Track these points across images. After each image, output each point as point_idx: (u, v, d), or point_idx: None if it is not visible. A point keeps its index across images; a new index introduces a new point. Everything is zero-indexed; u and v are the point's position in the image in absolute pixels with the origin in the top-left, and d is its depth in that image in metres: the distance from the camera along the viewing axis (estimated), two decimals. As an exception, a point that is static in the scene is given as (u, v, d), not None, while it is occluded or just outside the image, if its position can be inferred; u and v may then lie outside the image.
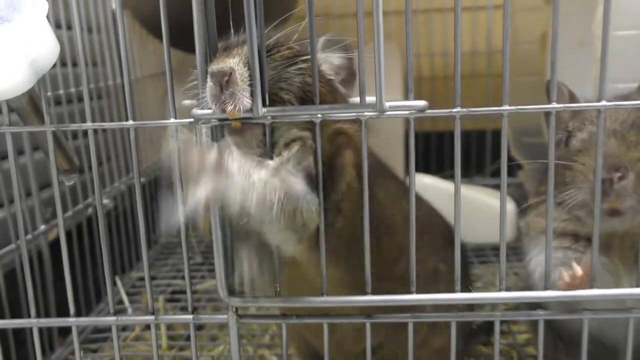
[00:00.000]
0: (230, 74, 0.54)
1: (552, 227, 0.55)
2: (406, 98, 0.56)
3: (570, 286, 0.56)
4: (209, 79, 0.55)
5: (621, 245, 0.63)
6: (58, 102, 1.08)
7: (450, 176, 1.43)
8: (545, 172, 0.56)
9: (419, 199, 0.77)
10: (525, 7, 1.35)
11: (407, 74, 0.55)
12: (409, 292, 0.59)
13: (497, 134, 0.57)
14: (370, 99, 0.54)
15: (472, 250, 1.28)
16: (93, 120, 0.61)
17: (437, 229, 0.76)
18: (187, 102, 0.65)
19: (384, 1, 0.51)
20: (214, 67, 0.55)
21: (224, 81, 0.54)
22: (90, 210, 1.13)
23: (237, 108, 0.54)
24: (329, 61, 0.63)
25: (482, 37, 1.69)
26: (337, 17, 1.70)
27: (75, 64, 1.09)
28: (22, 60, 0.52)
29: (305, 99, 0.57)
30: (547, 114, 0.68)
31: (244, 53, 0.55)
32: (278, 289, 0.60)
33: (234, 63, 0.55)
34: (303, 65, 0.57)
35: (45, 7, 0.52)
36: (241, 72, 0.54)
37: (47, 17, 0.54)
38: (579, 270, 0.55)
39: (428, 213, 0.78)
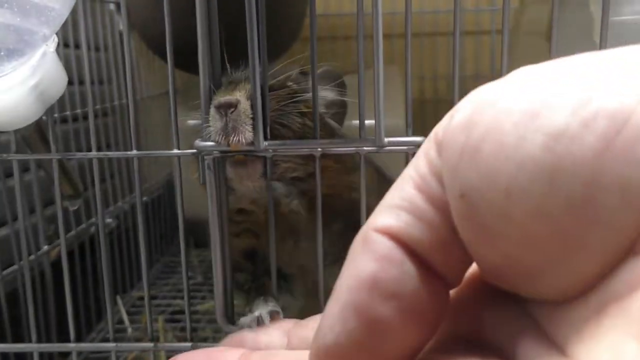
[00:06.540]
0: (236, 105, 0.55)
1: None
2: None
3: None
4: (213, 110, 0.56)
5: None
6: (64, 120, 1.10)
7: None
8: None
9: None
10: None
11: (407, 107, 0.56)
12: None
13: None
14: (369, 122, 0.55)
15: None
16: (97, 138, 0.63)
17: None
18: (191, 122, 0.65)
19: (389, 24, 0.52)
20: (220, 98, 0.56)
21: (230, 112, 0.55)
22: (93, 229, 1.14)
23: (239, 140, 0.55)
24: (322, 96, 0.65)
25: (486, 61, 1.71)
26: (342, 39, 1.72)
27: (82, 83, 1.10)
28: (31, 92, 0.53)
29: (303, 137, 0.59)
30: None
31: (248, 88, 0.57)
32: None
33: (239, 96, 0.57)
34: (301, 105, 0.59)
35: (55, 42, 0.54)
36: (244, 106, 0.56)
37: (57, 51, 0.55)
38: None
39: None
